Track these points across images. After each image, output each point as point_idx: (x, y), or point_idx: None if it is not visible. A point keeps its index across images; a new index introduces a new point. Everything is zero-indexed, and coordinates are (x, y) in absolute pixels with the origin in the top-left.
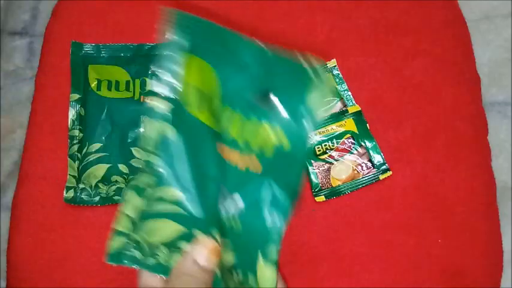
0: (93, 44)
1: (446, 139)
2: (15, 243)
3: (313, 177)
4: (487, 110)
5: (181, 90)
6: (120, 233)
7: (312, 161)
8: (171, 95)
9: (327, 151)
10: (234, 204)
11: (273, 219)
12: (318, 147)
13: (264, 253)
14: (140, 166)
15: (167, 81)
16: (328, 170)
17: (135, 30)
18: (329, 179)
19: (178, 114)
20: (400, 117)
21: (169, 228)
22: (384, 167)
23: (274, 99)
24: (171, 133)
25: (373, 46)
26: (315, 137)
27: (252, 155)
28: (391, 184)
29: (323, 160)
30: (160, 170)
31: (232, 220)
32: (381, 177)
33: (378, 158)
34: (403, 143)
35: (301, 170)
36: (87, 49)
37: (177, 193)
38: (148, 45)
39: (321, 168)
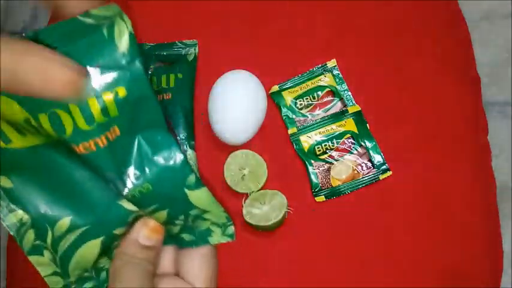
0: None
1: (446, 139)
2: (15, 243)
3: (313, 177)
4: (487, 110)
5: None
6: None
7: (312, 161)
8: None
9: (327, 151)
10: (132, 177)
11: (172, 157)
12: (318, 147)
13: (188, 186)
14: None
15: None
16: (328, 170)
17: (135, 30)
18: (329, 179)
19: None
20: (400, 117)
21: (90, 250)
22: (384, 167)
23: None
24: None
25: (373, 46)
26: (315, 137)
27: (112, 127)
28: (391, 184)
29: (323, 160)
30: (26, 217)
31: (142, 188)
32: (381, 177)
33: (378, 158)
34: (403, 143)
35: (154, 100)
36: None
37: (66, 220)
38: (148, 45)
39: (321, 168)
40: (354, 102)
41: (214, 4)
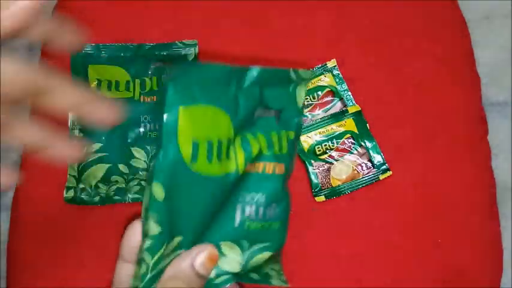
0: (93, 44)
1: (446, 139)
2: (15, 243)
3: (313, 177)
4: (487, 110)
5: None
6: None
7: (312, 161)
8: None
9: (327, 151)
10: (261, 210)
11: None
12: (318, 147)
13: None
14: (140, 166)
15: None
16: (328, 170)
17: (135, 30)
18: (329, 179)
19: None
20: (400, 117)
21: None
22: (384, 167)
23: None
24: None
25: (373, 46)
26: (315, 137)
27: (280, 162)
28: (391, 184)
29: (323, 160)
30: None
31: (266, 223)
32: (381, 177)
33: (378, 158)
34: (403, 143)
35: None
36: (87, 49)
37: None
38: (148, 45)
39: (321, 168)
40: (354, 102)
41: (214, 4)
